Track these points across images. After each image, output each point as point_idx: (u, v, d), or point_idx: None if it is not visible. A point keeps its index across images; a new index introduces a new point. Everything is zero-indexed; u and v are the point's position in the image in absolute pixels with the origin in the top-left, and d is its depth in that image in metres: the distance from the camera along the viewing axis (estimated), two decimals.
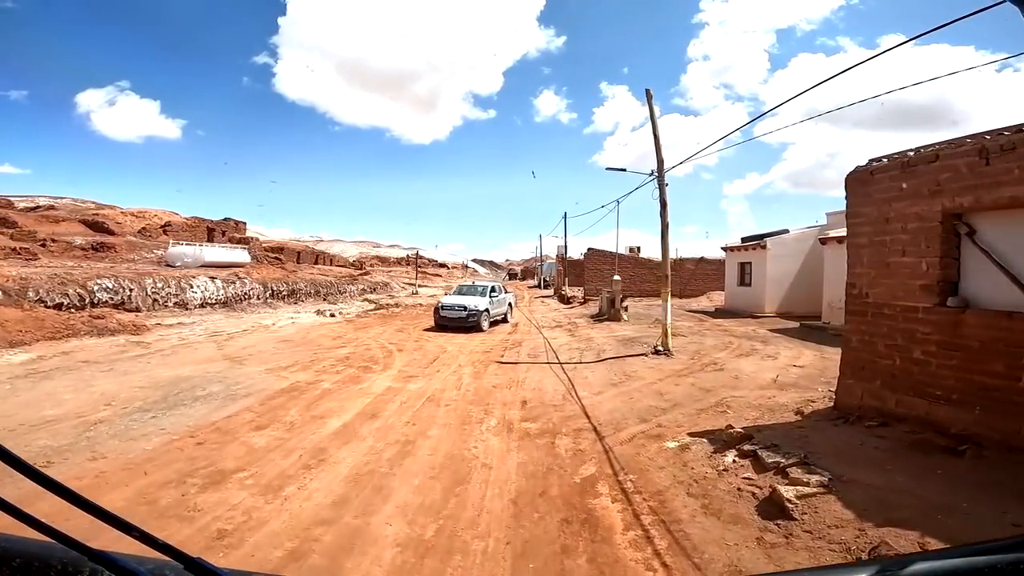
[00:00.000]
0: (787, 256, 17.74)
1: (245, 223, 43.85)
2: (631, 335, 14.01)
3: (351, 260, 78.62)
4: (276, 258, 43.46)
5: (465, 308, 15.93)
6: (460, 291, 18.26)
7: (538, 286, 57.09)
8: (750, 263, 18.88)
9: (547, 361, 11.11)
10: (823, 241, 14.67)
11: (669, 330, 11.20)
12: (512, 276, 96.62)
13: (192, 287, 18.05)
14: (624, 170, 12.33)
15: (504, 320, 17.94)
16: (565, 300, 28.25)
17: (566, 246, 32.17)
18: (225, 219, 40.72)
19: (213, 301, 19.03)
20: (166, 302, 17.04)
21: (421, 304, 28.55)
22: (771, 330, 14.50)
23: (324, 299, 27.68)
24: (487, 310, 16.31)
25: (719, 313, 19.18)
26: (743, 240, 19.91)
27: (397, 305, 27.89)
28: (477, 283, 18.78)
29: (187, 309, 17.58)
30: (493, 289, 17.77)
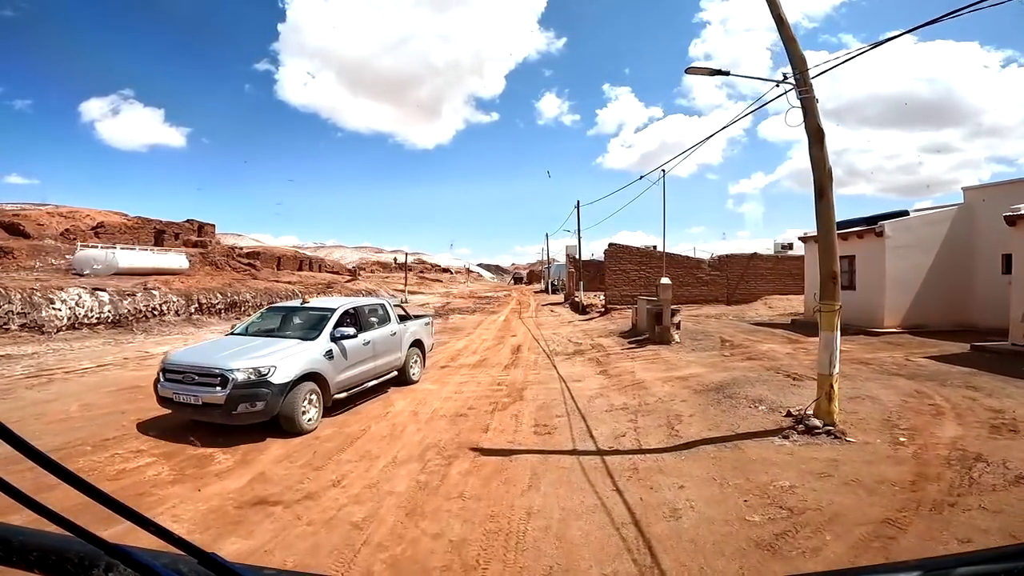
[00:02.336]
0: (914, 247, 12.13)
1: (213, 225, 38.77)
2: (709, 375, 8.35)
3: (349, 266, 73.86)
4: (249, 264, 38.38)
5: (221, 377, 5.70)
6: (254, 327, 7.60)
7: (545, 291, 51.36)
8: (852, 257, 13.24)
9: (572, 448, 5.55)
10: (1011, 221, 9.05)
11: (836, 387, 5.60)
12: (518, 280, 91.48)
13: (54, 302, 12.68)
14: (726, 73, 6.63)
15: (403, 379, 8.50)
16: (580, 309, 22.66)
17: (580, 243, 26.64)
18: (188, 220, 35.61)
19: (94, 320, 13.66)
20: (6, 324, 11.68)
21: None
22: (932, 358, 8.84)
23: None
24: (315, 376, 6.36)
25: (802, 327, 13.51)
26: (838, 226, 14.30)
27: None
28: (314, 305, 7.80)
29: (42, 333, 12.20)
30: (351, 316, 7.54)
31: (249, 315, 20.64)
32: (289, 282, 29.37)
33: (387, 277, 67.85)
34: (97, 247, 20.32)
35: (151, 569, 0.53)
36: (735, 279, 20.88)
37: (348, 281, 46.01)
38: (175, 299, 16.35)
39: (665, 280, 11.48)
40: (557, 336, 15.12)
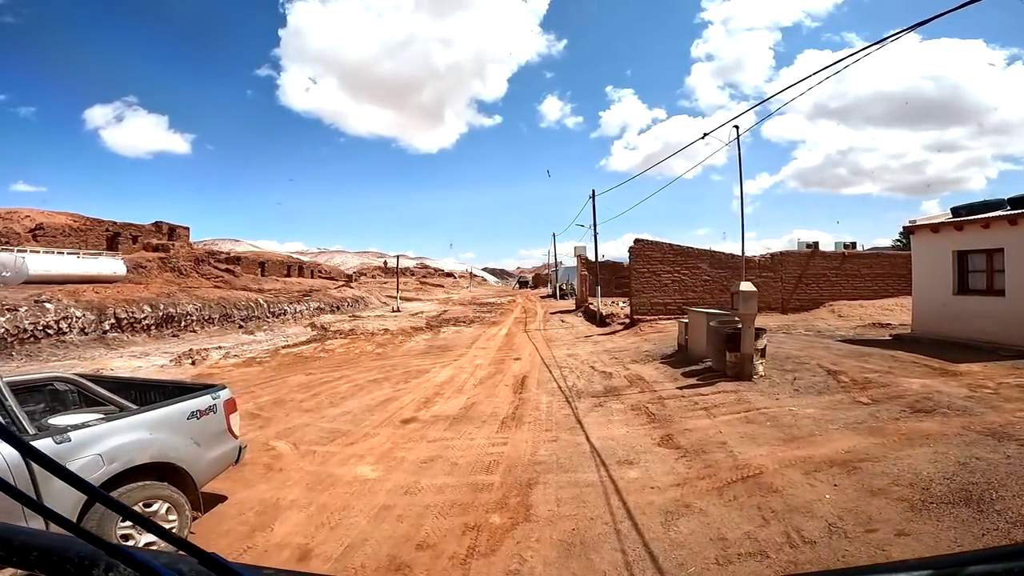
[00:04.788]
0: None
1: (187, 228, 35.29)
2: (895, 456, 4.33)
3: (349, 271, 70.58)
4: (227, 270, 34.96)
5: None
6: None
7: (552, 295, 47.32)
8: (996, 251, 9.34)
9: None
10: None
11: None
12: (523, 284, 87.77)
13: None
14: None
15: None
16: (598, 320, 18.82)
17: (596, 240, 22.81)
18: (155, 223, 32.14)
19: None
20: None
21: (388, 330, 19.44)
22: None
23: (239, 326, 18.68)
24: None
25: (922, 345, 9.59)
26: (954, 211, 10.42)
27: (353, 331, 18.87)
28: None
29: None
30: None
31: (195, 331, 16.98)
32: (262, 289, 25.76)
33: (386, 282, 64.50)
34: (12, 251, 16.73)
35: (151, 569, 0.52)
36: (791, 282, 16.97)
37: (339, 287, 42.40)
38: (79, 313, 12.68)
39: (747, 286, 7.62)
40: (574, 360, 11.30)
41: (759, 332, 7.53)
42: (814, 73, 7.04)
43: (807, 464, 4.42)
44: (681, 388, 7.63)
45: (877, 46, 6.99)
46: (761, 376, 7.62)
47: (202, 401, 3.60)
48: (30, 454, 0.49)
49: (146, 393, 4.02)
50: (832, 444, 4.79)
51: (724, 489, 4.22)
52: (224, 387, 3.78)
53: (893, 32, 6.61)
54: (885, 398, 6.19)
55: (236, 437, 3.84)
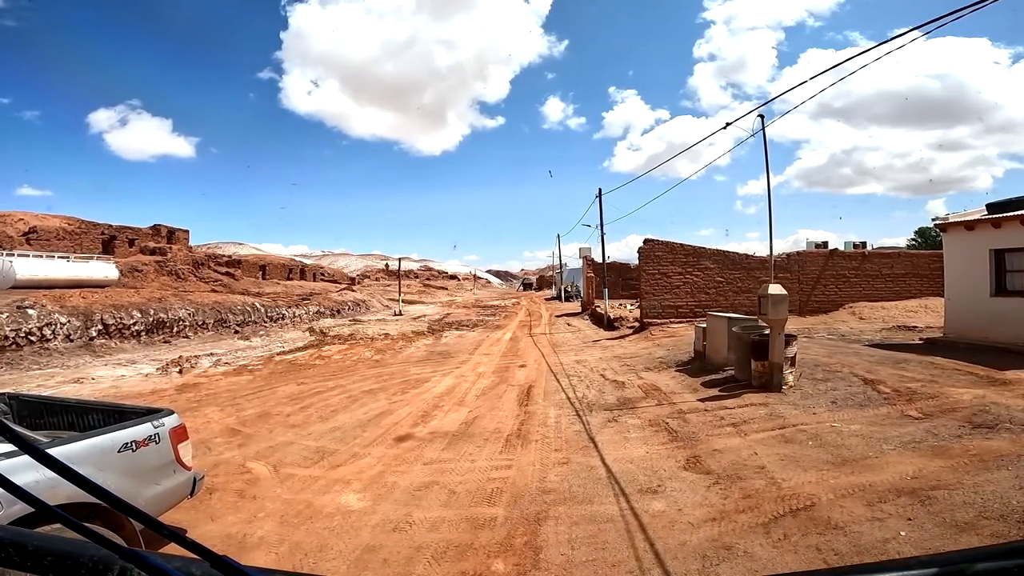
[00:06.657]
0: None
1: (187, 231, 34.81)
2: (973, 483, 3.69)
3: (353, 274, 70.22)
4: (227, 273, 34.56)
5: None
6: None
7: (557, 298, 46.61)
8: None
9: None
10: None
11: None
12: (527, 286, 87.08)
13: None
14: None
15: None
16: (606, 323, 18.16)
17: (603, 241, 22.11)
18: (153, 226, 31.73)
19: None
20: None
21: (388, 335, 18.83)
22: None
23: (235, 332, 18.13)
24: None
25: (959, 351, 8.86)
26: (990, 207, 9.71)
27: (351, 336, 18.28)
28: None
29: None
30: None
31: (187, 336, 16.41)
32: (260, 293, 25.22)
33: (389, 285, 64.02)
34: (0, 255, 16.24)
35: (165, 572, 0.52)
36: (809, 283, 16.23)
37: (340, 290, 41.88)
38: (64, 320, 12.12)
39: (776, 288, 6.96)
40: (583, 367, 10.65)
41: (789, 339, 6.85)
42: (835, 66, 6.41)
43: (868, 493, 3.75)
44: (703, 400, 6.96)
45: (887, 45, 6.49)
46: (791, 387, 6.94)
47: (140, 430, 2.87)
48: (43, 460, 0.49)
49: (85, 417, 3.40)
50: (893, 468, 4.11)
51: (771, 525, 3.56)
52: (171, 412, 3.14)
53: (906, 29, 6.57)
54: (937, 411, 5.51)
55: (188, 468, 3.20)
